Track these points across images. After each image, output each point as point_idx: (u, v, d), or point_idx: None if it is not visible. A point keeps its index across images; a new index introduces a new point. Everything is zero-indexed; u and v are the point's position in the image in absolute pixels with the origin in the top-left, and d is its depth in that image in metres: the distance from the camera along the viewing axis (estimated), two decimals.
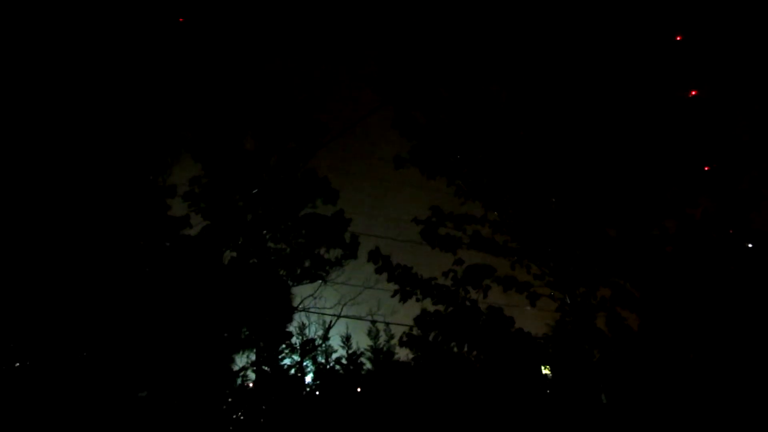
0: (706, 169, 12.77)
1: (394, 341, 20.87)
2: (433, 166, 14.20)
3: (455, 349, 16.29)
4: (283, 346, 19.79)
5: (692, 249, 12.21)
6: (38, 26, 11.54)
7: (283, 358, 19.82)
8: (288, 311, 20.00)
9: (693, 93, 13.59)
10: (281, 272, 20.66)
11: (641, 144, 12.91)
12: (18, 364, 13.21)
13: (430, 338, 15.22)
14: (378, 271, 13.39)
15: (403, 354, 20.82)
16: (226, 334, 17.16)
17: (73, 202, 12.72)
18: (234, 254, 19.19)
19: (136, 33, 13.20)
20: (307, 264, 20.89)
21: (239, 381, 18.82)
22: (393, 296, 14.17)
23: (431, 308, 14.23)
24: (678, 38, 14.15)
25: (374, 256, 13.58)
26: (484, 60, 13.84)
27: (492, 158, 13.79)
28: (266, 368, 19.44)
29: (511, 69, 13.72)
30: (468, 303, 14.06)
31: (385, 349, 20.99)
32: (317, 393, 19.82)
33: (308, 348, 20.11)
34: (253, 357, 19.57)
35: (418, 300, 13.86)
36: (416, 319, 13.49)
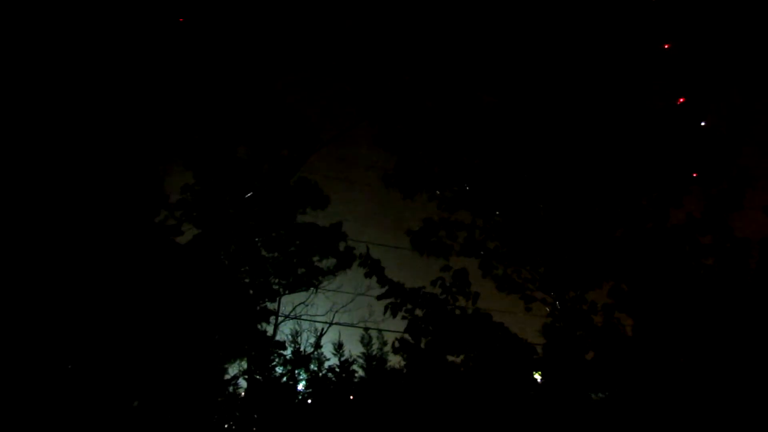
0: (694, 175, 12.88)
1: (387, 348, 20.80)
2: (415, 182, 14.39)
3: (447, 357, 16.31)
4: (275, 354, 19.71)
5: (678, 252, 12.30)
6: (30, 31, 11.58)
7: (275, 366, 19.72)
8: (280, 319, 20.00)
9: (681, 100, 13.74)
10: (273, 280, 20.65)
11: (626, 149, 13.03)
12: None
13: (422, 345, 15.24)
14: (367, 275, 13.51)
15: (395, 360, 20.74)
16: (217, 337, 17.11)
17: (58, 210, 12.70)
18: (226, 262, 19.19)
19: (128, 38, 13.28)
20: (300, 272, 20.89)
21: (230, 389, 18.74)
22: (385, 312, 14.29)
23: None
24: (666, 46, 14.34)
25: (364, 260, 13.69)
26: (471, 68, 13.98)
27: (476, 166, 13.93)
28: (258, 377, 19.36)
29: (498, 77, 13.87)
30: (458, 311, 14.09)
31: (377, 356, 20.89)
32: (309, 401, 19.69)
33: (300, 356, 20.01)
34: (244, 365, 19.51)
35: (407, 312, 13.93)
36: (408, 324, 13.53)
